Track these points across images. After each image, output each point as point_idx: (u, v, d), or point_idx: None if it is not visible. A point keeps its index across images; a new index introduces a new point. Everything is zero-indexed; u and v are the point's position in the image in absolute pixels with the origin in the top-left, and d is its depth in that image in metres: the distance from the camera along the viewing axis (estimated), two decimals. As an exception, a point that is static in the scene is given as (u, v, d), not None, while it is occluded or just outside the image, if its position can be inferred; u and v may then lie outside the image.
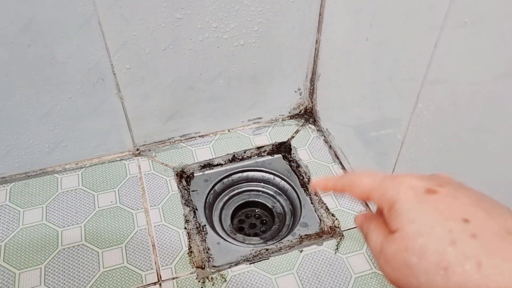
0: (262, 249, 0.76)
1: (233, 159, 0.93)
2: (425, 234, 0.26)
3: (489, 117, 0.46)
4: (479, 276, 0.24)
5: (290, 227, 0.84)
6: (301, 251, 0.75)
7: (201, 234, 0.78)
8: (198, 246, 0.76)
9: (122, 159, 0.91)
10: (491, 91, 0.45)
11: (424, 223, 0.26)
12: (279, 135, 0.97)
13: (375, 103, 0.72)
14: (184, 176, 0.89)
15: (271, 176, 0.92)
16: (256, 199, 0.91)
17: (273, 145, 0.95)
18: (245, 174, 0.92)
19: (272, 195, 0.91)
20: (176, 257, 0.74)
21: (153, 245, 0.76)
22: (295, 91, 0.97)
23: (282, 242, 0.77)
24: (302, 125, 1.00)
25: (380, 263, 0.29)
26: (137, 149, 0.93)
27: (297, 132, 0.99)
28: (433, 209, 0.27)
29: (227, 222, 0.87)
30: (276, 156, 0.95)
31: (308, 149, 0.95)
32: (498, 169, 0.47)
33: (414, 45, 0.57)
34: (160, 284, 0.70)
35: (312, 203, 0.85)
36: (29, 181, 0.86)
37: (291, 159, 0.94)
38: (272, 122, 1.01)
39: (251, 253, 0.75)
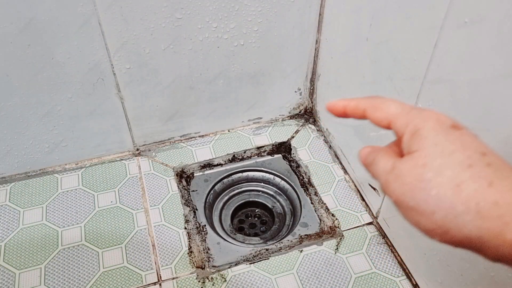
0: (262, 249, 0.76)
1: (233, 159, 0.93)
2: (445, 156, 0.28)
3: (489, 117, 0.46)
4: (489, 192, 0.26)
5: (290, 227, 0.84)
6: (301, 251, 0.75)
7: (201, 234, 0.78)
8: (198, 246, 0.76)
9: (122, 159, 0.91)
10: (491, 91, 0.45)
11: (446, 148, 0.28)
12: (279, 135, 0.97)
13: (375, 103, 0.72)
14: (184, 176, 0.89)
15: (271, 176, 0.92)
16: (256, 199, 0.91)
17: (273, 145, 0.95)
18: (245, 174, 0.92)
19: (272, 195, 0.91)
20: (176, 257, 0.74)
21: (153, 245, 0.76)
22: (295, 91, 0.97)
23: (282, 242, 0.77)
24: (302, 125, 1.00)
25: (387, 179, 0.30)
26: (137, 149, 0.93)
27: (297, 132, 0.99)
28: (455, 139, 0.29)
29: (227, 222, 0.87)
30: (276, 156, 0.95)
31: (308, 149, 0.95)
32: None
33: (414, 45, 0.57)
34: (160, 284, 0.70)
35: (312, 203, 0.85)
36: (29, 181, 0.86)
37: (291, 159, 0.94)
38: (272, 122, 1.01)
39: (251, 253, 0.75)
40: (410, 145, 0.30)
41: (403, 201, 0.29)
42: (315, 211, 0.83)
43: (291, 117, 1.02)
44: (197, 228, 0.79)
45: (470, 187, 0.26)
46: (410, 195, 0.29)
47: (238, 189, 0.92)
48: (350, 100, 0.34)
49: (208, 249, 0.76)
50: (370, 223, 0.80)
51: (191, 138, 0.96)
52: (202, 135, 0.97)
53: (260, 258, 0.74)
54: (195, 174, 0.90)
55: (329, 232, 0.79)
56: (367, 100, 0.34)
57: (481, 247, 0.27)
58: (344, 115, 0.35)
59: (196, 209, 0.83)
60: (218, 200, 0.90)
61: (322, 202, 0.83)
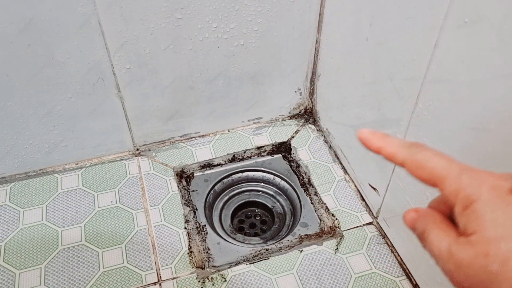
0: (262, 249, 0.76)
1: (233, 159, 0.93)
2: (509, 240, 0.24)
3: (489, 117, 0.46)
4: None
5: (290, 227, 0.84)
6: (301, 251, 0.75)
7: (201, 234, 0.78)
8: (198, 246, 0.76)
9: (122, 159, 0.91)
10: (491, 91, 0.45)
11: (508, 228, 0.24)
12: (279, 135, 0.97)
13: (375, 103, 0.72)
14: (184, 176, 0.89)
15: (271, 176, 0.92)
16: (256, 199, 0.91)
17: (273, 145, 0.95)
18: (245, 174, 0.92)
19: (272, 195, 0.91)
20: (176, 257, 0.74)
21: (153, 245, 0.76)
22: (295, 91, 0.97)
23: (282, 242, 0.77)
24: (302, 125, 1.00)
25: (448, 268, 0.26)
26: (137, 149, 0.93)
27: (297, 132, 0.99)
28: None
29: (227, 222, 0.87)
30: (276, 156, 0.95)
31: (308, 149, 0.95)
32: (498, 169, 0.47)
33: (414, 45, 0.57)
34: (160, 284, 0.70)
35: (312, 203, 0.85)
36: (29, 181, 0.86)
37: (291, 159, 0.94)
38: (272, 122, 1.01)
39: (251, 253, 0.75)
40: (465, 223, 0.26)
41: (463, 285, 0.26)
42: (315, 211, 0.83)
43: (291, 117, 1.02)
44: (197, 228, 0.79)
45: None
46: (475, 282, 0.25)
47: (238, 189, 0.92)
48: (387, 143, 0.31)
49: (208, 249, 0.76)
50: (370, 223, 0.80)
51: (191, 138, 0.96)
52: (202, 135, 0.97)
53: (260, 258, 0.74)
54: (195, 174, 0.90)
55: (329, 232, 0.79)
56: (408, 150, 0.30)
57: None
58: (377, 153, 0.32)
59: (196, 209, 0.83)
60: (218, 200, 0.90)
61: (322, 202, 0.83)
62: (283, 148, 0.96)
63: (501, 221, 0.24)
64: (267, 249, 0.76)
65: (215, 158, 0.92)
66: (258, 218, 0.90)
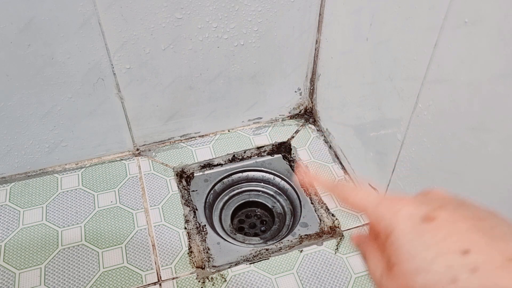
0: (262, 249, 0.76)
1: (233, 159, 0.93)
2: (424, 272, 0.25)
3: (489, 117, 0.46)
4: None
5: (290, 227, 0.84)
6: (301, 251, 0.75)
7: (201, 234, 0.78)
8: (198, 246, 0.76)
9: (122, 159, 0.91)
10: (491, 91, 0.45)
11: (423, 260, 0.25)
12: (279, 135, 0.97)
13: (375, 103, 0.72)
14: (184, 176, 0.89)
15: (271, 176, 0.92)
16: (256, 199, 0.91)
17: (273, 145, 0.95)
18: (245, 174, 0.92)
19: (272, 195, 0.91)
20: (176, 257, 0.74)
21: (153, 245, 0.76)
22: (295, 91, 0.97)
23: (282, 242, 0.77)
24: (302, 125, 1.00)
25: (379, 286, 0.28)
26: (137, 149, 0.93)
27: (297, 132, 0.99)
28: (430, 242, 0.25)
29: (227, 222, 0.87)
30: (276, 156, 0.95)
31: (308, 149, 0.94)
32: (498, 169, 0.47)
33: (414, 45, 0.57)
34: (160, 284, 0.70)
35: (312, 203, 0.85)
36: (29, 181, 0.86)
37: (291, 159, 0.94)
38: (272, 122, 1.01)
39: (251, 253, 0.75)
40: (388, 253, 0.27)
41: None
42: (315, 211, 0.83)
43: (291, 117, 1.02)
44: (197, 228, 0.79)
45: None
46: None
47: (238, 189, 0.92)
48: (319, 182, 0.35)
49: (208, 249, 0.76)
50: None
51: (191, 138, 0.96)
52: (202, 135, 0.97)
53: (260, 258, 0.74)
54: (195, 174, 0.90)
55: (329, 232, 0.79)
56: (335, 186, 0.33)
57: None
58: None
59: (196, 209, 0.83)
60: (218, 200, 0.90)
61: (322, 202, 0.83)
62: (283, 148, 0.96)
63: (416, 253, 0.25)
64: (267, 249, 0.76)
65: (215, 158, 0.92)
66: (258, 218, 0.90)
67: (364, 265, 0.32)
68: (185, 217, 0.80)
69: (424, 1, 0.53)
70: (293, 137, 0.97)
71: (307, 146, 0.95)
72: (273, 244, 0.77)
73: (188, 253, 0.74)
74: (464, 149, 0.51)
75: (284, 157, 0.95)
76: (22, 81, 0.74)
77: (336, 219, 0.80)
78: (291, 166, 0.93)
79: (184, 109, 0.90)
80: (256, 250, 0.75)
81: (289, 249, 0.75)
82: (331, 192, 0.33)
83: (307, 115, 1.02)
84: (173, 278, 0.71)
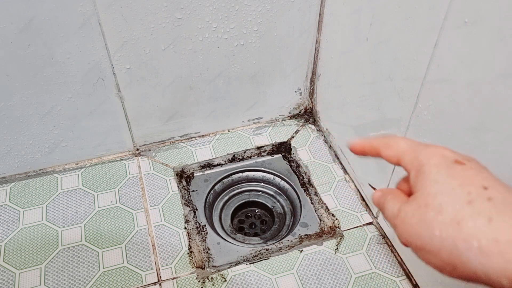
0: (262, 249, 0.76)
1: (233, 159, 0.93)
2: (445, 193, 0.28)
3: (489, 117, 0.46)
4: (489, 228, 0.26)
5: (290, 227, 0.84)
6: (301, 251, 0.75)
7: (201, 234, 0.78)
8: (198, 246, 0.76)
9: (122, 159, 0.91)
10: (491, 91, 0.45)
11: (446, 184, 0.29)
12: (279, 135, 0.97)
13: (375, 103, 0.72)
14: (184, 176, 0.89)
15: (271, 176, 0.92)
16: (256, 199, 0.91)
17: (273, 145, 0.95)
18: (245, 174, 0.92)
19: (272, 195, 0.91)
20: (176, 257, 0.74)
21: (153, 245, 0.76)
22: (295, 91, 0.97)
23: (282, 242, 0.77)
24: (302, 125, 1.00)
25: (395, 224, 0.31)
26: (137, 149, 0.93)
27: (297, 132, 0.99)
28: (457, 175, 0.29)
29: (227, 222, 0.87)
30: (276, 156, 0.95)
31: (308, 149, 0.95)
32: (498, 169, 0.47)
33: (414, 45, 0.57)
34: (160, 284, 0.70)
35: (312, 203, 0.85)
36: (29, 181, 0.86)
37: (291, 159, 0.94)
38: (272, 122, 1.01)
39: (251, 253, 0.75)
40: (415, 183, 0.31)
41: (411, 243, 0.30)
42: (315, 211, 0.83)
43: (291, 117, 1.02)
44: (197, 228, 0.79)
45: (470, 224, 0.27)
46: (417, 236, 0.29)
47: (238, 189, 0.92)
48: (366, 141, 0.36)
49: (208, 249, 0.76)
50: (370, 223, 0.80)
51: (191, 138, 0.96)
52: (202, 135, 0.97)
53: (260, 258, 0.74)
54: (195, 174, 0.90)
55: (329, 232, 0.79)
56: (380, 138, 0.35)
57: (490, 283, 0.27)
58: (363, 154, 0.37)
59: (196, 209, 0.83)
60: (218, 200, 0.90)
61: (322, 202, 0.83)
62: (283, 148, 0.96)
63: (441, 180, 0.29)
64: (267, 249, 0.76)
65: (215, 158, 0.92)
66: (258, 218, 0.90)
67: (382, 214, 0.34)
68: (185, 217, 0.80)
69: (424, 1, 0.53)
70: (293, 137, 0.97)
71: (307, 146, 0.95)
72: (273, 244, 0.77)
73: (188, 253, 0.74)
74: (464, 149, 0.51)
75: (284, 157, 0.95)
76: (22, 81, 0.74)
77: (336, 219, 0.80)
78: (291, 166, 0.93)
79: (184, 109, 0.90)
80: (256, 250, 0.75)
81: (289, 249, 0.75)
82: (372, 151, 0.36)
83: (307, 115, 1.02)
84: (173, 278, 0.71)
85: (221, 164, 0.92)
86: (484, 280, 0.27)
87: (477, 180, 0.29)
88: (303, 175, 0.89)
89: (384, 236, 0.77)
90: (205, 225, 0.80)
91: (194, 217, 0.81)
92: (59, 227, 0.78)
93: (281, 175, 0.91)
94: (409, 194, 0.33)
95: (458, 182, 0.29)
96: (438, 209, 0.28)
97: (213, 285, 0.70)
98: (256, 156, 0.94)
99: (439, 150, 0.31)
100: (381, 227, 0.78)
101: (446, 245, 0.28)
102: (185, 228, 0.78)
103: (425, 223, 0.29)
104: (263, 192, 0.92)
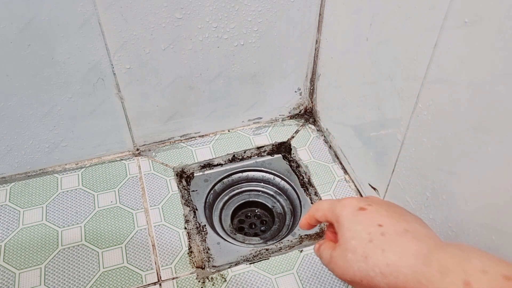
0: (262, 249, 0.76)
1: (233, 159, 0.93)
2: (355, 237, 0.40)
3: (489, 117, 0.46)
4: (383, 257, 0.38)
5: (290, 227, 0.84)
6: (301, 251, 0.75)
7: (201, 234, 0.78)
8: (198, 246, 0.76)
9: (122, 159, 0.91)
10: (491, 91, 0.45)
11: (354, 230, 0.41)
12: (279, 135, 0.97)
13: (375, 103, 0.72)
14: (184, 176, 0.89)
15: (271, 176, 0.92)
16: (256, 199, 0.91)
17: (273, 145, 0.95)
18: (245, 174, 0.92)
19: (272, 195, 0.91)
20: (176, 257, 0.74)
21: (153, 245, 0.76)
22: (295, 91, 0.97)
23: (282, 242, 0.77)
24: (302, 125, 1.00)
25: (330, 266, 0.43)
26: (137, 149, 0.93)
27: (297, 132, 0.99)
28: (361, 220, 0.41)
29: (227, 222, 0.87)
30: (276, 156, 0.95)
31: (308, 149, 0.95)
32: (498, 169, 0.47)
33: (414, 45, 0.57)
34: (160, 284, 0.70)
35: (312, 203, 0.85)
36: (29, 181, 0.86)
37: (291, 159, 0.94)
38: (272, 122, 1.01)
39: (251, 253, 0.75)
40: (338, 231, 0.43)
41: (345, 278, 0.41)
42: (315, 211, 0.83)
43: (291, 117, 1.02)
44: (197, 228, 0.79)
45: (373, 257, 0.38)
46: (345, 273, 0.40)
47: (238, 189, 0.92)
48: (306, 216, 0.50)
49: (208, 249, 0.76)
50: (370, 223, 0.80)
51: (191, 138, 0.96)
52: (202, 135, 0.97)
53: (260, 258, 0.74)
54: (195, 174, 0.90)
55: (329, 232, 0.79)
56: (312, 208, 0.49)
57: None
58: (311, 227, 0.52)
59: (196, 209, 0.83)
60: (218, 200, 0.90)
61: (322, 202, 0.83)
62: (283, 148, 0.96)
63: (351, 227, 0.41)
64: (267, 249, 0.76)
65: (215, 158, 0.92)
66: (258, 218, 0.90)
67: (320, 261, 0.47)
68: (185, 217, 0.80)
69: (424, 1, 0.53)
70: (293, 137, 0.97)
71: (307, 146, 0.95)
72: (273, 244, 0.77)
73: (188, 253, 0.74)
74: (464, 149, 0.51)
75: (284, 157, 0.95)
76: (22, 81, 0.74)
77: (336, 219, 0.80)
78: (291, 166, 0.93)
79: (184, 109, 0.90)
80: (256, 250, 0.75)
81: (289, 249, 0.75)
82: (312, 220, 0.50)
83: (307, 115, 1.02)
84: (173, 278, 0.71)
85: (221, 164, 0.92)
86: None
87: (374, 220, 0.40)
88: (303, 175, 0.89)
89: (384, 236, 0.77)
90: (205, 225, 0.80)
91: (194, 217, 0.81)
92: (59, 227, 0.78)
93: (281, 175, 0.91)
94: (337, 240, 0.43)
95: (362, 226, 0.40)
96: (353, 251, 0.40)
97: (213, 285, 0.70)
98: (256, 156, 0.94)
99: (348, 202, 0.44)
100: (381, 227, 0.78)
101: (364, 276, 0.39)
102: (185, 228, 0.78)
103: (347, 262, 0.40)
104: (263, 192, 0.92)
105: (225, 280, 0.71)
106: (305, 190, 0.87)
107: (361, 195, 0.84)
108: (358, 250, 0.39)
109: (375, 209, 0.42)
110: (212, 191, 0.89)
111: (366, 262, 0.39)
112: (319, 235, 0.78)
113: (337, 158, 0.92)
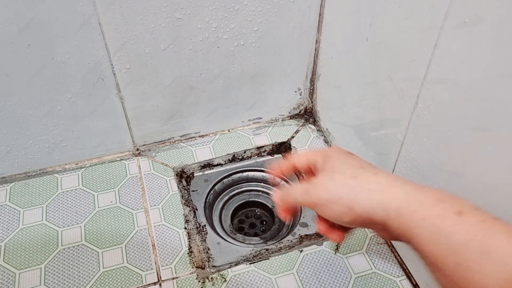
0: (262, 249, 0.76)
1: (233, 159, 0.93)
2: (346, 164, 0.44)
3: (489, 117, 0.46)
4: (375, 177, 0.41)
5: (290, 227, 0.84)
6: (301, 251, 0.75)
7: (201, 234, 0.78)
8: (198, 246, 0.76)
9: (122, 159, 0.91)
10: (491, 91, 0.45)
11: (345, 160, 0.45)
12: (279, 135, 0.97)
13: (375, 103, 0.72)
14: (184, 176, 0.89)
15: (271, 176, 0.92)
16: (256, 199, 0.91)
17: (273, 145, 0.95)
18: (245, 174, 0.92)
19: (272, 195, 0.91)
20: (176, 257, 0.74)
21: (153, 245, 0.76)
22: (295, 91, 0.97)
23: (282, 242, 0.77)
24: (302, 125, 1.00)
25: (308, 189, 0.45)
26: (137, 149, 0.93)
27: (297, 132, 0.99)
28: (352, 158, 0.46)
29: (227, 222, 0.87)
30: (276, 156, 0.95)
31: (308, 149, 0.94)
32: (498, 169, 0.47)
33: (414, 45, 0.57)
34: (160, 284, 0.70)
35: (312, 203, 0.84)
36: (29, 181, 0.86)
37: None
38: (272, 122, 1.01)
39: (251, 253, 0.75)
40: (323, 166, 0.45)
41: (320, 198, 0.43)
42: (315, 211, 0.83)
43: (291, 117, 1.02)
44: (197, 228, 0.79)
45: (363, 176, 0.41)
46: (325, 191, 0.42)
47: (238, 189, 0.92)
48: (283, 163, 0.54)
49: (208, 249, 0.76)
50: (370, 223, 0.80)
51: (191, 138, 0.96)
52: (202, 135, 0.97)
53: (260, 258, 0.74)
54: (195, 174, 0.90)
55: (329, 232, 0.78)
56: (292, 157, 0.53)
57: (373, 219, 0.39)
58: (280, 175, 0.55)
59: (196, 209, 0.83)
60: (218, 200, 0.90)
61: (322, 202, 0.83)
62: (283, 148, 0.96)
63: (342, 159, 0.45)
64: (267, 249, 0.76)
65: (215, 158, 0.92)
66: (258, 218, 0.90)
67: (285, 201, 0.51)
68: (185, 217, 0.80)
69: (424, 1, 0.53)
70: (293, 137, 0.97)
71: (307, 146, 0.95)
72: (273, 244, 0.77)
73: (188, 253, 0.74)
74: (464, 149, 0.51)
75: (284, 157, 0.95)
76: (22, 81, 0.74)
77: (336, 219, 0.80)
78: (291, 166, 0.92)
79: (184, 109, 0.90)
80: (256, 250, 0.75)
81: (289, 249, 0.75)
82: (288, 168, 0.54)
83: (307, 115, 1.02)
84: (173, 278, 0.71)
85: (221, 164, 0.92)
86: (369, 215, 0.39)
87: (364, 161, 0.45)
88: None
89: (384, 236, 0.77)
90: (205, 225, 0.80)
91: (194, 217, 0.81)
92: (59, 227, 0.78)
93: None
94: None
95: (352, 159, 0.45)
96: (341, 172, 0.43)
97: (213, 285, 0.70)
98: (256, 156, 0.94)
99: (337, 147, 0.48)
100: (381, 227, 0.78)
101: (346, 191, 0.41)
102: (185, 228, 0.78)
103: (332, 180, 0.42)
104: (263, 192, 0.92)
105: (225, 280, 0.71)
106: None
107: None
108: (347, 172, 0.42)
109: (358, 156, 0.47)
110: (212, 191, 0.89)
111: (356, 179, 0.41)
112: (319, 235, 0.78)
113: (337, 158, 0.92)
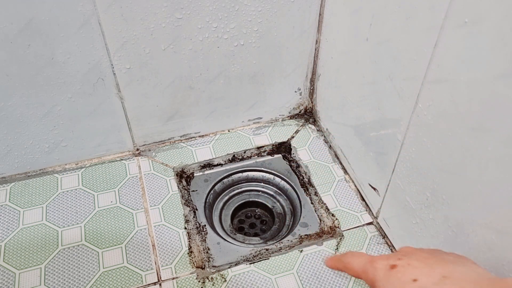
0: (262, 249, 0.76)
1: (233, 159, 0.93)
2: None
3: (489, 117, 0.46)
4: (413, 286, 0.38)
5: (290, 227, 0.84)
6: (301, 251, 0.75)
7: (201, 234, 0.78)
8: (198, 246, 0.76)
9: (122, 159, 0.91)
10: (491, 91, 0.45)
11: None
12: (279, 135, 0.97)
13: (375, 103, 0.72)
14: (184, 176, 0.89)
15: (271, 176, 0.92)
16: (256, 199, 0.91)
17: (273, 145, 0.95)
18: (245, 174, 0.92)
19: (272, 195, 0.91)
20: (176, 257, 0.74)
21: (153, 245, 0.76)
22: (295, 91, 0.97)
23: (282, 242, 0.77)
24: (302, 125, 1.00)
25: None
26: (137, 149, 0.93)
27: (297, 132, 0.99)
28: (394, 281, 0.41)
29: (227, 222, 0.87)
30: (276, 156, 0.95)
31: (308, 149, 0.95)
32: (498, 169, 0.47)
33: (414, 45, 0.57)
34: (160, 284, 0.70)
35: (312, 203, 0.85)
36: (29, 181, 0.86)
37: (291, 159, 0.94)
38: (272, 122, 1.01)
39: (251, 253, 0.75)
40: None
41: None
42: (315, 211, 0.83)
43: (291, 117, 1.02)
44: (197, 228, 0.79)
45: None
46: None
47: (238, 189, 0.92)
48: (339, 261, 0.50)
49: (208, 249, 0.76)
50: (370, 223, 0.80)
51: (191, 138, 0.96)
52: (202, 135, 0.97)
53: (260, 258, 0.74)
54: (195, 174, 0.90)
55: (329, 232, 0.79)
56: (347, 257, 0.49)
57: None
58: (336, 269, 0.52)
59: (196, 209, 0.83)
60: (218, 200, 0.90)
61: (322, 202, 0.83)
62: (283, 148, 0.96)
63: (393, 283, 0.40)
64: (267, 249, 0.76)
65: (215, 158, 0.92)
66: (258, 218, 0.90)
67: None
68: (185, 217, 0.80)
69: (424, 1, 0.53)
70: (293, 137, 0.97)
71: (307, 146, 0.95)
72: (273, 244, 0.77)
73: (188, 253, 0.74)
74: (464, 149, 0.51)
75: (284, 157, 0.95)
76: (22, 81, 0.74)
77: (336, 219, 0.80)
78: (291, 166, 0.93)
79: (184, 109, 0.90)
80: (256, 250, 0.75)
81: (289, 249, 0.75)
82: (339, 267, 0.50)
83: (307, 115, 1.02)
84: (173, 278, 0.71)
85: (221, 164, 0.92)
86: None
87: (407, 277, 0.40)
88: (303, 175, 0.89)
89: (384, 236, 0.77)
90: (205, 225, 0.80)
91: (194, 217, 0.81)
92: (59, 227, 0.78)
93: (281, 175, 0.91)
94: None
95: (397, 285, 0.40)
96: None
97: (213, 285, 0.70)
98: (256, 156, 0.94)
99: (379, 263, 0.43)
100: (381, 227, 0.78)
101: None
102: (185, 228, 0.78)
103: None
104: (263, 192, 0.92)
105: (225, 280, 0.71)
106: (305, 190, 0.87)
107: (361, 195, 0.84)
108: None
109: (406, 262, 0.41)
110: (212, 191, 0.89)
111: None
112: (319, 235, 0.78)
113: (337, 158, 0.92)
